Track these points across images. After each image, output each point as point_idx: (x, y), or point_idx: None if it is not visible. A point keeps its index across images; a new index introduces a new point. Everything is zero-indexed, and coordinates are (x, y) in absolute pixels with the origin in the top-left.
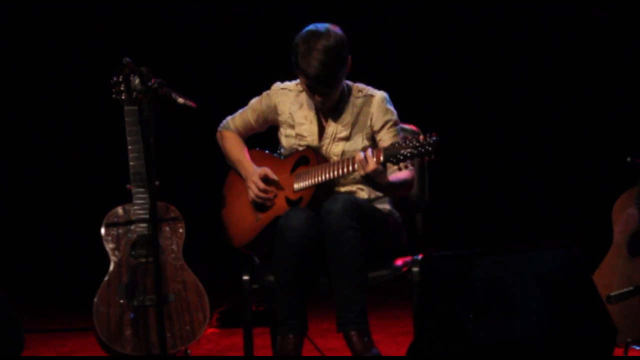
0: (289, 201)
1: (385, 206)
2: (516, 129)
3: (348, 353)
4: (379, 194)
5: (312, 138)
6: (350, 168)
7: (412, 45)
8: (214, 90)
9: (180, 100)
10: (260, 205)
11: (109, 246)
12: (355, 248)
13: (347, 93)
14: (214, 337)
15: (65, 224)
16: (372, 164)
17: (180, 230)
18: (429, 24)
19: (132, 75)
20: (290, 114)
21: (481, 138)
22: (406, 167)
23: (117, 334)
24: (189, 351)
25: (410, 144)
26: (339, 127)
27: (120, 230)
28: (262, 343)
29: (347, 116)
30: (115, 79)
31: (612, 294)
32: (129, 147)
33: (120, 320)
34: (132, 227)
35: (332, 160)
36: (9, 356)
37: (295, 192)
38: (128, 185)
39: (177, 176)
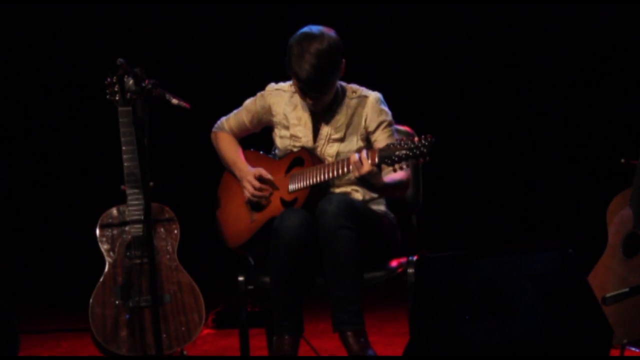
0: (283, 202)
1: (380, 207)
2: (511, 130)
3: (344, 354)
4: (374, 195)
5: (306, 139)
6: (345, 169)
7: (407, 46)
8: (208, 91)
9: (174, 101)
10: (255, 206)
11: (103, 247)
12: (350, 248)
13: (342, 94)
14: (210, 338)
15: (60, 225)
16: (366, 166)
17: (175, 231)
18: (423, 24)
19: (126, 76)
20: (284, 115)
21: (476, 139)
22: (401, 168)
23: (113, 335)
24: (185, 352)
25: (405, 146)
26: (333, 129)
27: (115, 232)
28: (258, 344)
29: (342, 117)
30: (109, 79)
31: (608, 295)
32: (123, 148)
33: (115, 321)
34: (127, 228)
35: (326, 162)
36: (4, 357)
37: (290, 193)
38: (122, 186)
39: (171, 177)
